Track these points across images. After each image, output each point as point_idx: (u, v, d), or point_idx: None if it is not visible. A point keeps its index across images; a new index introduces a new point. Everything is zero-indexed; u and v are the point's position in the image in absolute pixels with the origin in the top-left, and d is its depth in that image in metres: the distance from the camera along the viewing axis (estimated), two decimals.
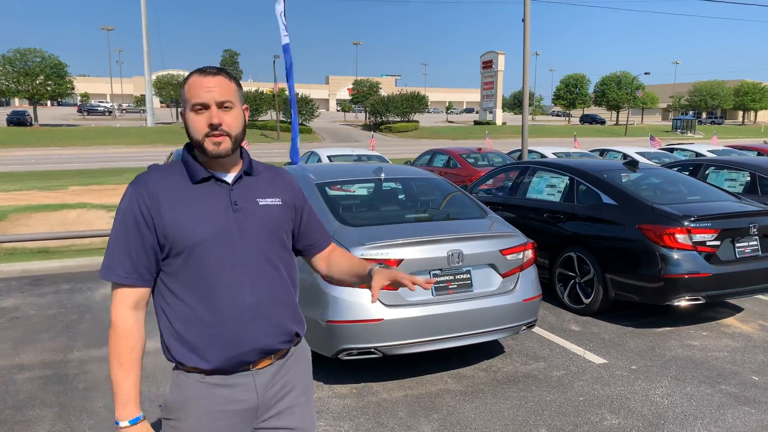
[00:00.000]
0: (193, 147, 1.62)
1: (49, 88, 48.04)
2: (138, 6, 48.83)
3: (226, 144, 1.55)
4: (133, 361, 1.53)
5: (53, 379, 4.02)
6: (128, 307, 1.54)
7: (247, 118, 1.65)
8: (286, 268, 1.68)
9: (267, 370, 1.64)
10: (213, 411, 1.58)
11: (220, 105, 1.54)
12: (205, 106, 1.54)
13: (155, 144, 38.54)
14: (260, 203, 1.63)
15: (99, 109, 69.95)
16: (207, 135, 1.54)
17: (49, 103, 76.22)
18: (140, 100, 71.48)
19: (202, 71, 1.57)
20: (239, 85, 1.63)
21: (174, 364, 1.63)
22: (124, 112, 76.39)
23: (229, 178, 1.62)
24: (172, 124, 53.06)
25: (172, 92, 56.00)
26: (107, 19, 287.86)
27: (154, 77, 54.96)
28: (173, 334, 1.58)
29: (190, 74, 1.58)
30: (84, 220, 10.95)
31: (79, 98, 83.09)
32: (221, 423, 1.59)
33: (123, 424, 1.52)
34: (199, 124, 1.54)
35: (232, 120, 1.56)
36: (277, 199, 1.67)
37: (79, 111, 68.52)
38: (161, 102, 74.56)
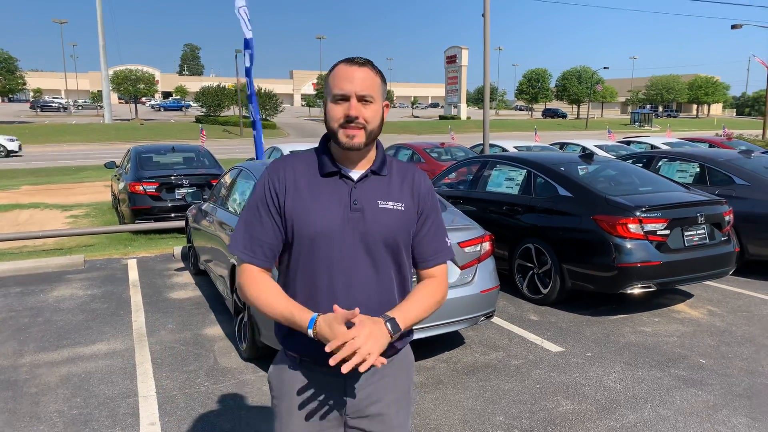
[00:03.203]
0: (329, 138, 1.60)
1: None
2: None
3: (360, 138, 1.52)
4: (278, 300, 1.54)
5: (2, 385, 3.88)
6: (252, 275, 1.59)
7: (386, 115, 1.60)
8: (395, 276, 1.62)
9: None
10: (305, 396, 1.62)
11: (361, 98, 1.51)
12: (345, 98, 1.51)
13: (113, 141, 37.45)
14: (380, 206, 1.58)
15: (53, 105, 67.40)
16: (342, 125, 1.51)
17: None
18: (97, 96, 69.29)
19: (350, 61, 1.54)
20: (384, 80, 1.58)
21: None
22: (79, 108, 73.95)
23: (356, 174, 1.59)
24: (131, 120, 51.64)
25: (130, 87, 54.44)
26: (60, 11, 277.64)
27: (111, 72, 53.27)
28: None
29: (337, 63, 1.55)
30: (36, 220, 10.59)
31: (31, 94, 79.88)
32: (312, 409, 1.62)
33: (310, 333, 1.47)
34: (336, 113, 1.52)
35: (371, 114, 1.52)
36: (400, 204, 1.60)
37: (32, 107, 65.84)
38: (119, 98, 72.56)
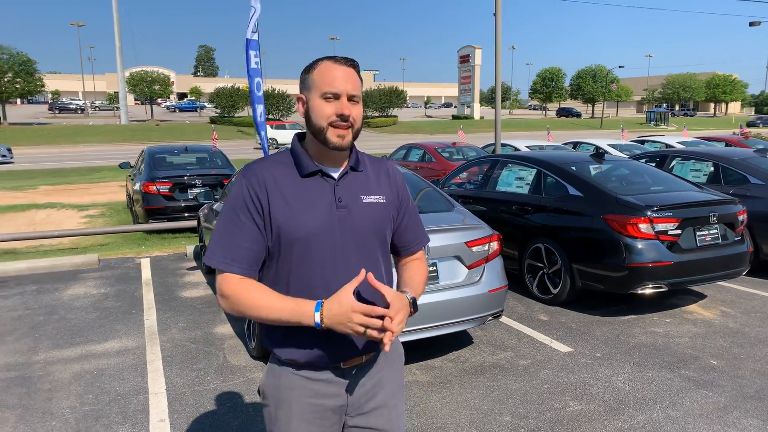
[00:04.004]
0: (303, 138, 1.61)
1: (18, 86, 46.89)
2: (109, 0, 47.82)
3: (349, 137, 1.54)
4: (270, 298, 1.50)
5: (16, 381, 3.96)
6: (236, 283, 1.52)
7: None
8: (384, 265, 1.66)
9: (358, 369, 1.64)
10: (304, 403, 1.60)
11: (350, 98, 1.52)
12: (336, 96, 1.51)
13: (129, 142, 37.91)
14: (364, 200, 1.60)
15: (71, 106, 68.43)
16: (332, 124, 1.51)
17: (18, 101, 74.46)
18: (113, 98, 70.15)
19: (335, 59, 1.54)
20: (362, 80, 1.62)
21: (271, 353, 1.67)
22: (96, 109, 74.95)
23: (336, 173, 1.60)
24: (147, 121, 52.22)
25: (146, 89, 55.05)
26: (77, 14, 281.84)
27: (127, 74, 53.93)
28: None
29: (321, 60, 1.55)
30: (53, 220, 10.76)
31: (49, 96, 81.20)
32: (312, 416, 1.61)
33: (316, 317, 1.45)
34: (326, 111, 1.51)
35: (358, 114, 1.54)
36: (381, 197, 1.64)
37: (50, 109, 66.98)
38: (135, 99, 73.39)
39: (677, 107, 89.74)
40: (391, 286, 1.70)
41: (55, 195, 14.47)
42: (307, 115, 1.55)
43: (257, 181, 1.54)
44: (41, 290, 6.21)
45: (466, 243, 4.07)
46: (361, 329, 1.42)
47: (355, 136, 1.57)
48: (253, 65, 8.03)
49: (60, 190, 15.70)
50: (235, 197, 1.55)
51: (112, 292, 6.10)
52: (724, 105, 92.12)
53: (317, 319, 1.44)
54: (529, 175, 6.16)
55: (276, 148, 34.36)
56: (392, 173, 1.72)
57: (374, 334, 1.43)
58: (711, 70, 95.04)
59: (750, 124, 57.63)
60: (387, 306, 1.46)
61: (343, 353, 1.58)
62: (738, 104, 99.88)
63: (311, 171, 1.57)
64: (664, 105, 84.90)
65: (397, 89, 56.92)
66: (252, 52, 7.69)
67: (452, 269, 4.04)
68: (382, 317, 1.43)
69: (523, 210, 5.94)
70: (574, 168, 5.83)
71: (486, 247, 4.18)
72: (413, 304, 1.58)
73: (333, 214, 1.55)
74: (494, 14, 11.45)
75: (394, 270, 1.79)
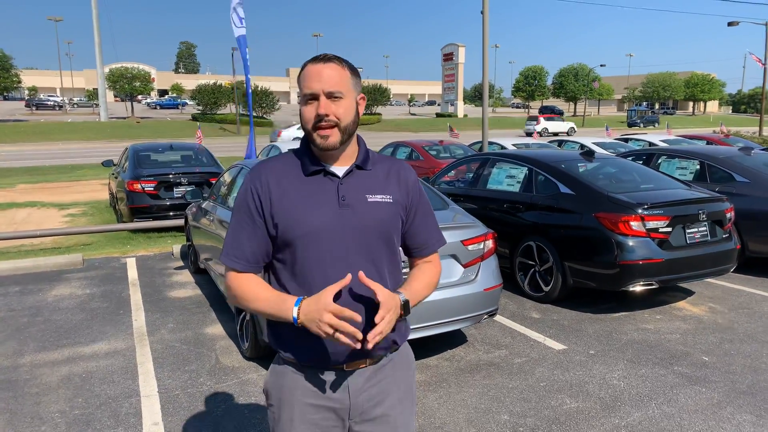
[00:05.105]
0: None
1: None
2: None
3: (334, 137, 1.51)
4: (261, 290, 1.56)
5: (2, 385, 3.85)
6: (235, 276, 1.60)
7: (362, 109, 1.59)
8: (389, 270, 1.62)
9: (360, 372, 1.61)
10: (305, 404, 1.59)
11: (330, 95, 1.49)
12: (315, 97, 1.50)
13: (109, 139, 37.28)
14: (369, 199, 1.57)
15: (49, 103, 66.97)
16: (314, 127, 1.51)
17: None
18: (92, 94, 69.05)
19: (316, 59, 1.53)
20: (354, 73, 1.55)
21: (276, 352, 1.68)
22: (75, 106, 73.52)
23: (340, 171, 1.58)
24: (127, 118, 51.44)
25: (126, 85, 54.19)
26: (54, 8, 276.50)
27: (107, 70, 53.00)
28: (274, 321, 1.59)
29: (305, 64, 1.54)
30: (34, 219, 10.54)
31: (26, 92, 79.61)
32: (314, 417, 1.60)
33: (294, 312, 1.47)
34: (308, 114, 1.52)
35: (342, 111, 1.51)
36: (388, 196, 1.60)
37: (27, 105, 65.46)
38: (115, 96, 72.25)
39: (657, 106, 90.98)
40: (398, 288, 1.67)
41: (34, 194, 14.17)
42: (300, 121, 1.58)
43: (260, 182, 1.57)
44: (24, 291, 6.06)
45: (462, 242, 4.06)
46: (330, 330, 1.40)
47: (345, 133, 1.53)
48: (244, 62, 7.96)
49: (40, 188, 15.38)
50: (240, 197, 1.61)
51: (99, 293, 5.98)
52: (702, 104, 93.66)
53: (294, 314, 1.46)
54: (520, 173, 6.17)
55: (546, 135, 36.98)
56: (403, 173, 1.68)
57: (343, 338, 1.41)
58: (690, 69, 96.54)
59: (631, 124, 55.37)
60: (378, 304, 1.45)
61: (345, 355, 1.56)
62: (716, 103, 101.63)
63: (314, 170, 1.57)
64: (644, 103, 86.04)
65: (381, 87, 56.81)
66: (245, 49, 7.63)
67: (448, 268, 4.03)
68: (355, 323, 1.42)
69: (514, 208, 5.95)
70: (564, 166, 5.85)
71: (481, 246, 4.17)
72: (404, 306, 1.54)
73: (335, 213, 1.54)
74: (481, 12, 11.47)
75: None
